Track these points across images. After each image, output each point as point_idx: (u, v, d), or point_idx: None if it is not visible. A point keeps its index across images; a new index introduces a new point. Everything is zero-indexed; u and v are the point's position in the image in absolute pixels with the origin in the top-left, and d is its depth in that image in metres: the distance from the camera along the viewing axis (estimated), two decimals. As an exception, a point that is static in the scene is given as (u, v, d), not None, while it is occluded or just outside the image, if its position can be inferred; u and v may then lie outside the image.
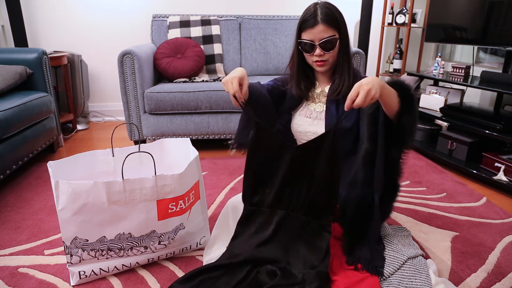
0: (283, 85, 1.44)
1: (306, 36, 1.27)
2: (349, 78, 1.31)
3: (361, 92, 1.01)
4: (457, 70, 2.63)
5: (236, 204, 1.40)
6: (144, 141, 2.51)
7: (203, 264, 1.30)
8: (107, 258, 1.24)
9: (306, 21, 1.26)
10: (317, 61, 1.29)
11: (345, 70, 1.31)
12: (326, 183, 1.20)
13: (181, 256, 1.39)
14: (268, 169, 1.28)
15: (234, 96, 1.18)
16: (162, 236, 1.26)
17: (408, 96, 1.14)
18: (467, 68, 2.57)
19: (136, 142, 2.55)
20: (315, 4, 1.28)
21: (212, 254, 1.33)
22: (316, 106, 1.39)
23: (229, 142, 1.45)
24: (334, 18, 1.25)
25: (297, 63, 1.37)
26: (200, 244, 1.41)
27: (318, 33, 1.24)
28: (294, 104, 1.42)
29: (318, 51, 1.26)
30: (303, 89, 1.38)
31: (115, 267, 1.26)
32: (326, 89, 1.37)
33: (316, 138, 1.21)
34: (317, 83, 1.41)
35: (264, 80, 2.69)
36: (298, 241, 1.23)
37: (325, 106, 1.37)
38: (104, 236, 1.19)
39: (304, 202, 1.24)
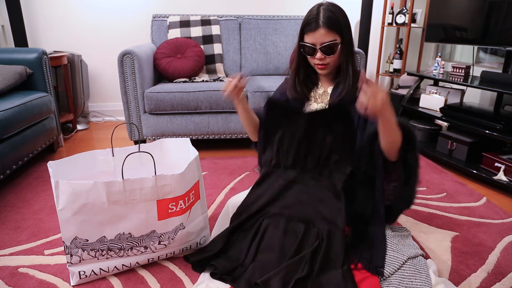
0: (283, 90, 1.44)
1: (308, 39, 1.26)
2: (352, 82, 1.29)
3: (377, 93, 1.01)
4: (457, 70, 2.63)
5: (236, 203, 1.40)
6: (144, 141, 2.51)
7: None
8: (107, 258, 1.24)
9: (308, 24, 1.25)
10: (318, 64, 1.29)
11: (349, 74, 1.30)
12: (340, 144, 1.27)
13: (181, 256, 1.39)
14: (285, 137, 1.33)
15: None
16: (162, 236, 1.26)
17: (410, 138, 1.18)
18: (467, 68, 2.57)
19: (136, 142, 2.55)
20: (319, 5, 1.26)
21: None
22: (318, 107, 1.38)
23: (256, 169, 1.49)
24: (337, 22, 1.23)
25: (299, 64, 1.36)
26: (200, 244, 1.41)
27: (320, 37, 1.23)
28: (297, 106, 1.41)
29: (319, 54, 1.25)
30: (300, 91, 1.37)
31: (115, 267, 1.26)
32: (329, 89, 1.37)
33: (322, 111, 1.30)
34: (320, 83, 1.40)
35: (265, 80, 2.70)
36: (310, 197, 1.27)
37: (327, 107, 1.36)
38: (104, 236, 1.19)
39: (318, 162, 1.29)
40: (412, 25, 3.19)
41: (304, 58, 1.34)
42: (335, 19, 1.23)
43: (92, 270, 1.23)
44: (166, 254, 1.34)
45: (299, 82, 1.38)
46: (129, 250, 1.25)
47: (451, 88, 2.67)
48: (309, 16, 1.25)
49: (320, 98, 1.38)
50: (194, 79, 2.67)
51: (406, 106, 2.75)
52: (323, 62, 1.27)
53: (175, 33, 2.82)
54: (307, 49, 1.28)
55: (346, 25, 1.26)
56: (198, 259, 1.32)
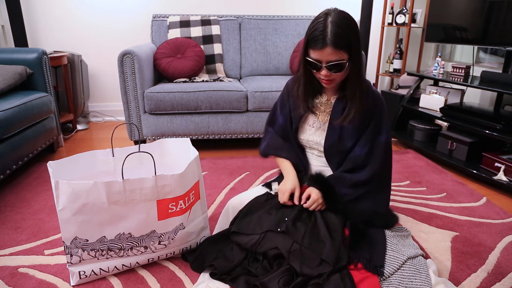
0: (288, 96, 1.42)
1: (314, 55, 1.17)
2: (360, 102, 1.24)
3: (311, 201, 1.29)
4: (457, 70, 2.63)
5: (237, 205, 1.40)
6: (144, 141, 2.51)
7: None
8: (107, 258, 1.24)
9: (314, 41, 1.14)
10: (323, 79, 1.22)
11: (357, 92, 1.23)
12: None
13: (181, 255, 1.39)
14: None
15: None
16: (162, 236, 1.26)
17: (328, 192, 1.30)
18: (467, 68, 2.57)
19: (136, 142, 2.55)
20: (326, 16, 1.14)
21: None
22: (320, 116, 1.36)
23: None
24: (346, 39, 1.12)
25: (305, 77, 1.29)
26: (200, 244, 1.41)
27: (326, 55, 1.14)
28: (300, 113, 1.38)
29: (324, 72, 1.18)
30: (310, 107, 1.34)
31: (115, 267, 1.26)
32: (332, 99, 1.33)
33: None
34: (323, 90, 1.35)
35: (265, 80, 2.69)
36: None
37: (329, 117, 1.33)
38: (104, 236, 1.19)
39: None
40: (412, 25, 3.19)
41: (310, 70, 1.27)
42: (344, 36, 1.12)
43: (92, 270, 1.23)
44: (166, 254, 1.34)
45: (305, 95, 1.32)
46: (129, 250, 1.25)
47: (451, 88, 2.67)
48: (315, 29, 1.14)
49: (323, 107, 1.35)
50: (194, 79, 2.67)
51: (406, 106, 2.76)
52: (329, 78, 1.20)
53: (175, 33, 2.82)
54: (312, 65, 1.21)
55: (356, 40, 1.16)
56: (196, 258, 1.32)
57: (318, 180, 1.31)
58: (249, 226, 1.27)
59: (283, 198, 1.31)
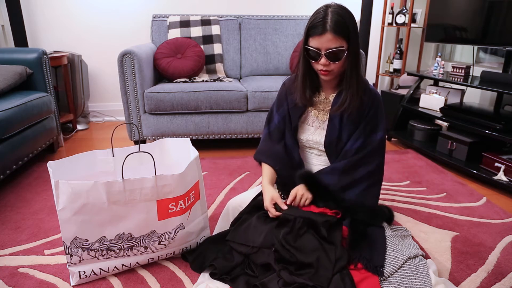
0: (286, 95, 1.41)
1: (313, 43, 1.19)
2: (357, 92, 1.25)
3: (297, 197, 1.30)
4: (457, 70, 2.63)
5: (237, 205, 1.41)
6: (144, 141, 2.51)
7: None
8: (107, 258, 1.24)
9: (314, 27, 1.17)
10: (321, 70, 1.23)
11: (353, 82, 1.24)
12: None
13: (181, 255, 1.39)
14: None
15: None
16: (162, 236, 1.26)
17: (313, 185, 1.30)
18: (467, 68, 2.57)
19: (136, 142, 2.55)
20: (327, 7, 1.18)
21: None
22: (319, 114, 1.36)
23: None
24: (345, 27, 1.16)
25: (305, 69, 1.30)
26: (200, 244, 1.41)
27: (326, 42, 1.16)
28: (299, 112, 1.38)
29: (323, 60, 1.19)
30: (308, 97, 1.34)
31: (115, 267, 1.26)
32: (331, 97, 1.33)
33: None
34: (321, 88, 1.36)
35: (265, 80, 2.69)
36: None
37: (328, 115, 1.34)
38: (104, 236, 1.19)
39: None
40: (412, 25, 3.19)
41: (308, 62, 1.28)
42: (344, 24, 1.15)
43: (92, 270, 1.23)
44: (166, 254, 1.34)
45: (306, 87, 1.32)
46: (129, 250, 1.25)
47: (451, 88, 2.67)
48: (315, 18, 1.17)
49: (321, 105, 1.36)
50: (194, 79, 2.67)
51: (406, 106, 2.76)
52: (327, 68, 1.21)
53: (175, 33, 2.82)
54: (311, 53, 1.21)
55: (354, 31, 1.19)
56: (196, 258, 1.32)
57: (302, 175, 1.33)
58: (245, 235, 1.27)
59: (272, 212, 1.28)
